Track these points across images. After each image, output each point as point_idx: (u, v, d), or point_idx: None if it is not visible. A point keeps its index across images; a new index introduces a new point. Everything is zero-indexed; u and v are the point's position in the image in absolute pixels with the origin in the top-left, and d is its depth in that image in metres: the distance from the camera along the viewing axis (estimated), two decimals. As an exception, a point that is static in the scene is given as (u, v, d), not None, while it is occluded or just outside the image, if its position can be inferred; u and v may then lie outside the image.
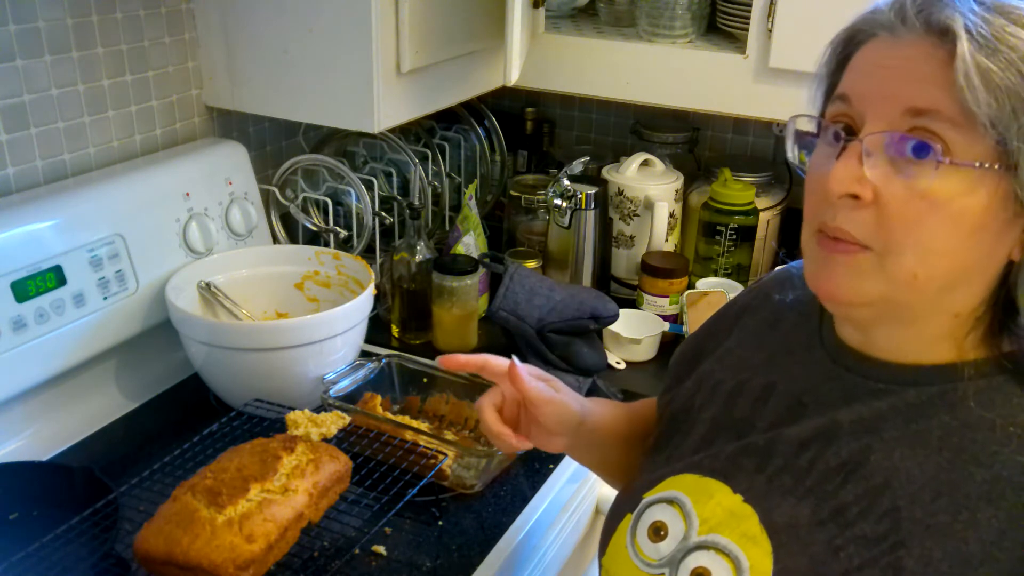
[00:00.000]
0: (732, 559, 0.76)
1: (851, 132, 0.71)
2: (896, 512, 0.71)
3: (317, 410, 1.13)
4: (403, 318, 1.54)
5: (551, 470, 1.22)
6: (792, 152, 0.78)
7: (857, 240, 0.69)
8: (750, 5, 1.41)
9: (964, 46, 0.64)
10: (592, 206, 1.60)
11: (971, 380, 0.72)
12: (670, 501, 0.82)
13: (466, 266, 1.49)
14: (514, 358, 0.91)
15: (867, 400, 0.76)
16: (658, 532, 0.81)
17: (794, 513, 0.75)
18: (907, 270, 0.69)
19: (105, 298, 1.22)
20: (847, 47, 0.74)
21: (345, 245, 1.57)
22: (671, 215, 1.64)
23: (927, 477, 0.71)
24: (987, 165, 0.65)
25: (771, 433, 0.81)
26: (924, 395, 0.74)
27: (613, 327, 1.48)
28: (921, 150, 0.66)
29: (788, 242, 1.77)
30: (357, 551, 1.04)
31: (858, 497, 0.73)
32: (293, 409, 1.13)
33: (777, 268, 0.97)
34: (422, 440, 1.13)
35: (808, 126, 0.76)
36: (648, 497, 0.85)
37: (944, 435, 0.72)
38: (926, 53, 0.66)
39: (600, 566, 0.89)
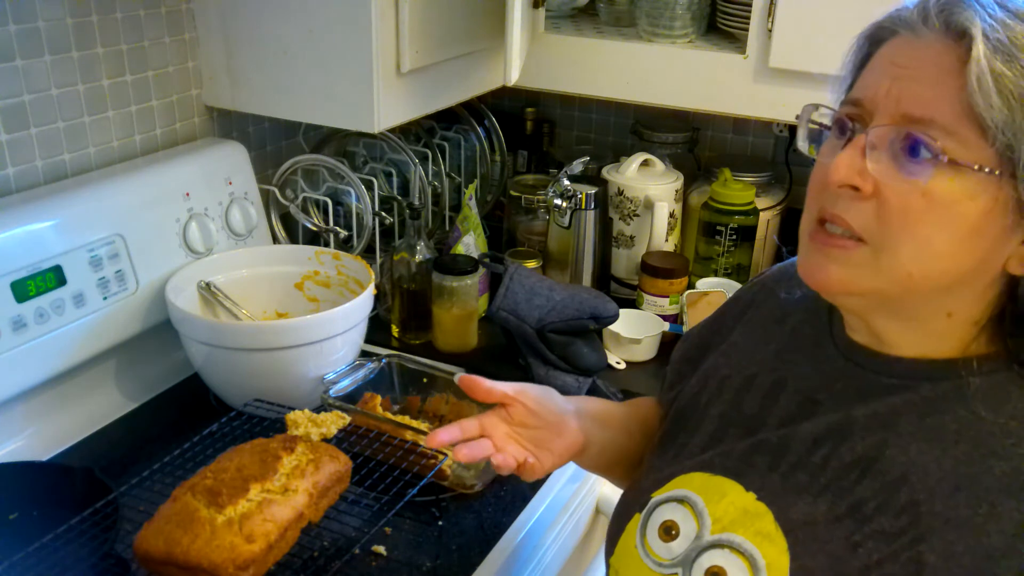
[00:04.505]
0: (748, 557, 0.75)
1: (859, 126, 0.71)
2: (915, 506, 0.71)
3: (317, 410, 1.13)
4: (403, 318, 1.54)
5: (551, 470, 1.21)
6: (803, 143, 0.78)
7: (854, 230, 0.70)
8: (750, 5, 1.41)
9: (980, 49, 0.63)
10: (592, 206, 1.60)
11: (974, 377, 0.72)
12: (680, 500, 0.82)
13: (466, 266, 1.49)
14: (458, 376, 0.92)
15: (882, 396, 0.76)
16: (669, 531, 0.81)
17: (810, 510, 0.75)
18: (902, 267, 0.69)
19: (105, 298, 1.22)
20: (870, 46, 0.74)
21: (345, 245, 1.57)
22: (671, 215, 1.64)
23: (945, 471, 0.71)
24: (987, 170, 0.65)
25: (783, 430, 0.80)
26: (939, 390, 0.74)
27: (613, 327, 1.48)
28: (916, 150, 0.66)
29: (789, 241, 1.77)
30: (357, 551, 1.04)
31: (875, 492, 0.73)
32: (293, 409, 1.12)
33: (779, 263, 0.97)
34: (422, 440, 1.13)
35: (821, 118, 0.76)
36: (657, 496, 0.84)
37: (960, 428, 0.72)
38: (939, 55, 0.66)
39: (608, 566, 0.89)
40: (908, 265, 0.69)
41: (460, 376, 0.92)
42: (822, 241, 0.72)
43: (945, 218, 0.67)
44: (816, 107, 0.76)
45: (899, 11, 0.71)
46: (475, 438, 0.89)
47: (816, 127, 0.77)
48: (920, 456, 0.72)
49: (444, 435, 0.88)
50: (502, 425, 0.91)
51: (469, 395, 0.91)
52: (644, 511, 0.84)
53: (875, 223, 0.69)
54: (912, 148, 0.66)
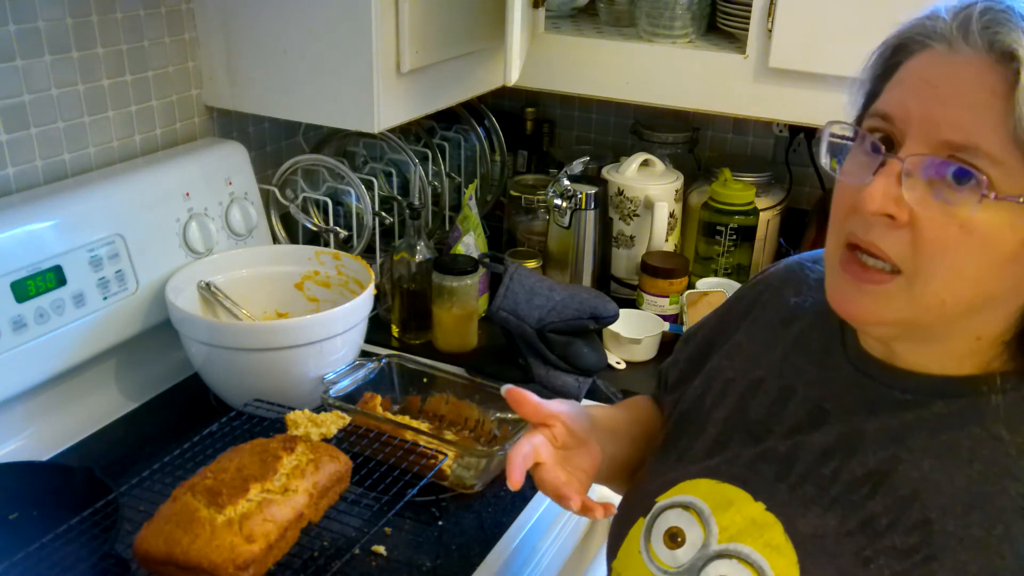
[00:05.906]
0: (756, 568, 0.75)
1: (890, 145, 0.68)
2: (927, 524, 0.70)
3: (317, 410, 1.13)
4: (403, 318, 1.53)
5: (551, 470, 1.21)
6: (824, 159, 0.74)
7: (890, 259, 0.67)
8: (750, 5, 1.41)
9: None
10: (592, 206, 1.60)
11: (995, 394, 0.71)
12: (686, 506, 0.81)
13: (466, 266, 1.49)
14: (504, 388, 0.85)
15: (894, 411, 0.75)
16: (675, 538, 0.80)
17: (820, 523, 0.74)
18: (935, 295, 0.67)
19: (105, 298, 1.22)
20: (896, 54, 0.70)
21: (345, 245, 1.57)
22: (671, 215, 1.64)
23: (958, 489, 0.70)
24: None
25: (792, 440, 0.79)
26: (953, 407, 0.72)
27: (613, 327, 1.48)
28: (963, 176, 0.63)
29: (790, 242, 1.77)
30: (357, 551, 1.04)
31: (887, 508, 0.72)
32: (293, 409, 1.12)
33: (784, 260, 0.95)
34: (422, 440, 1.13)
35: (843, 130, 0.73)
36: (662, 501, 0.83)
37: (975, 447, 0.70)
38: (981, 76, 0.63)
39: (610, 569, 0.88)
40: (941, 293, 0.67)
41: (507, 388, 0.86)
42: (855, 275, 0.69)
43: (982, 247, 0.65)
44: (839, 123, 0.73)
45: (932, 21, 0.67)
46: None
47: (838, 140, 0.74)
48: (932, 473, 0.71)
49: (518, 472, 0.79)
50: (549, 447, 0.84)
51: (515, 409, 0.85)
52: (648, 516, 0.83)
53: (910, 251, 0.66)
54: (953, 177, 0.64)
